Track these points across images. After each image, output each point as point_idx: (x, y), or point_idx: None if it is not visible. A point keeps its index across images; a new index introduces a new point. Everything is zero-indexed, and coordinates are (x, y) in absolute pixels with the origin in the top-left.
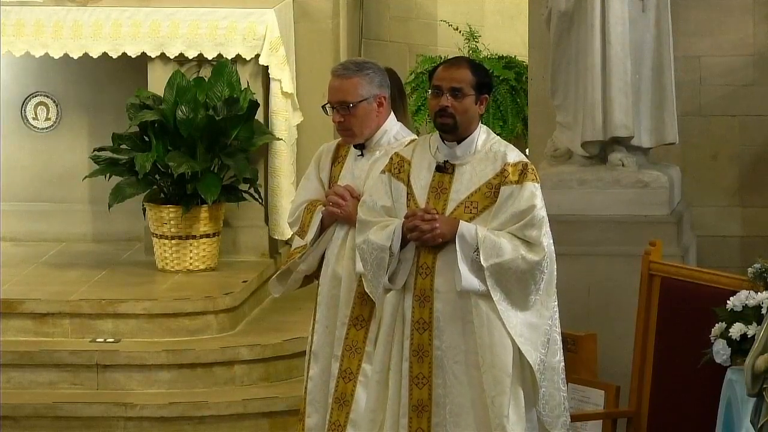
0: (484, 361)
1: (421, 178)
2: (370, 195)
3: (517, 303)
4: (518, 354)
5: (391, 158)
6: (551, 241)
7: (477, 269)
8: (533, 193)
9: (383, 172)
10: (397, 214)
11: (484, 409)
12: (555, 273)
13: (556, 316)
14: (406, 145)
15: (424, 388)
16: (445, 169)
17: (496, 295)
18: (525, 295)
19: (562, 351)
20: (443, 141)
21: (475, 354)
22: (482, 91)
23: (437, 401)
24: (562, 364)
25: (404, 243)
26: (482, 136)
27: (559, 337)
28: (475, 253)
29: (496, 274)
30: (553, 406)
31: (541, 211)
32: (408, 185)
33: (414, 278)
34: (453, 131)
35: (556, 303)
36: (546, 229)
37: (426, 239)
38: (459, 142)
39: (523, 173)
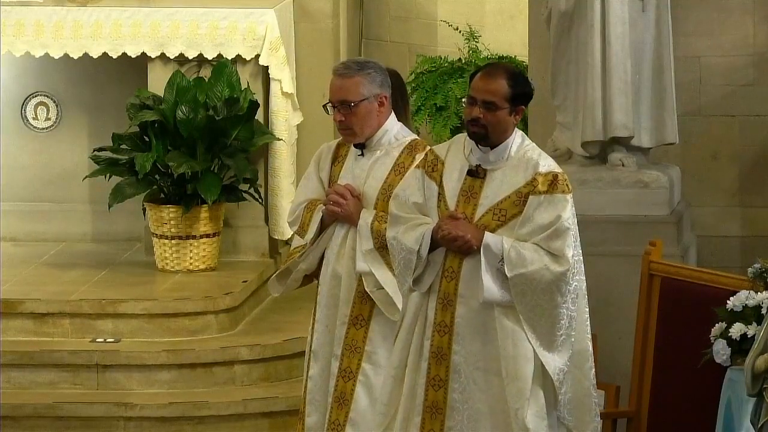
0: (507, 372)
1: (453, 179)
2: (404, 189)
3: (543, 315)
4: (540, 362)
5: (426, 155)
6: (579, 252)
7: (502, 280)
8: (561, 205)
9: (417, 167)
10: (429, 212)
11: (503, 415)
12: (584, 284)
13: (588, 323)
14: (406, 145)
15: (440, 391)
16: (476, 173)
17: (520, 306)
18: (552, 307)
19: (592, 357)
20: (477, 145)
21: (495, 361)
22: (518, 102)
23: (453, 405)
24: (593, 371)
25: (434, 246)
26: (517, 141)
27: (590, 344)
28: (500, 263)
29: (520, 284)
30: (582, 411)
31: (567, 223)
32: (440, 185)
33: (439, 281)
34: (483, 140)
35: (587, 311)
36: (570, 240)
37: (458, 245)
38: (492, 147)
39: (552, 184)
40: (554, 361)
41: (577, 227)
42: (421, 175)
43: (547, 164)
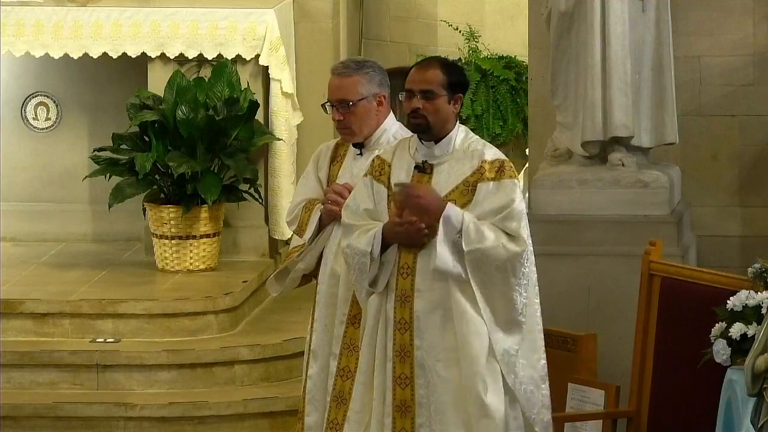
0: (462, 351)
1: (401, 179)
2: (354, 198)
3: (497, 294)
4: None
5: (373, 161)
6: (529, 242)
7: (458, 253)
8: (511, 189)
9: (366, 175)
10: (379, 216)
11: (467, 404)
12: (535, 275)
13: (538, 315)
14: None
15: (407, 389)
16: (423, 169)
17: (474, 279)
18: (507, 288)
19: (543, 350)
20: (421, 141)
21: (455, 351)
22: (456, 90)
23: (420, 402)
24: (542, 362)
25: (386, 246)
26: (460, 135)
27: (540, 335)
28: (458, 235)
29: (476, 260)
30: (533, 402)
31: (520, 205)
32: (388, 187)
33: (396, 279)
34: (426, 132)
35: (538, 302)
36: (526, 222)
37: (405, 230)
38: (437, 141)
39: (500, 170)
40: (503, 342)
41: (525, 216)
42: (370, 182)
43: (493, 152)
